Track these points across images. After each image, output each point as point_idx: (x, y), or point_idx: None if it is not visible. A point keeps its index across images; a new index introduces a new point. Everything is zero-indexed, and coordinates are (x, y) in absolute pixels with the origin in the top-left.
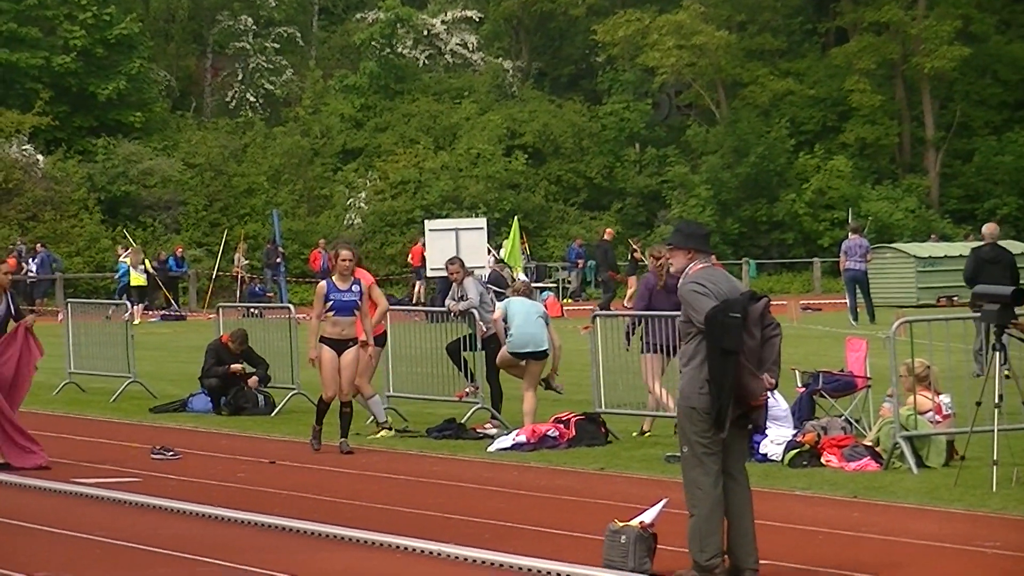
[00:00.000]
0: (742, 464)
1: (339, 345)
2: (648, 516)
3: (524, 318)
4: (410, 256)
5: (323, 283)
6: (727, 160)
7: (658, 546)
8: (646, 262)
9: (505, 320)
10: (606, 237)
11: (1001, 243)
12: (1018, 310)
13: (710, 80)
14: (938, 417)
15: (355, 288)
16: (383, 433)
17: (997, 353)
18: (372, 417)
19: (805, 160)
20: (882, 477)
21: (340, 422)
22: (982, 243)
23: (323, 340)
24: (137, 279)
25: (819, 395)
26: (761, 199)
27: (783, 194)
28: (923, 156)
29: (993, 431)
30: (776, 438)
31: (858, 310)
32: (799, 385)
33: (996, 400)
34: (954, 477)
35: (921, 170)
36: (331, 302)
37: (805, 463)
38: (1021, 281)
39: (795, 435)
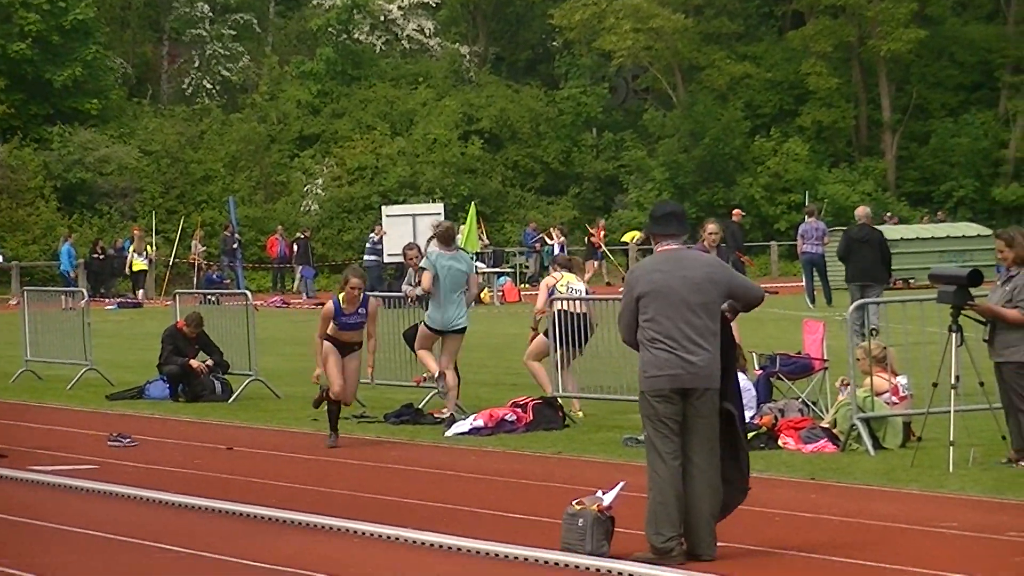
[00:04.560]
0: (706, 449)
1: (344, 348)
2: (606, 499)
3: (445, 296)
4: (589, 237)
5: (330, 304)
6: (684, 144)
7: (616, 529)
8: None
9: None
10: (734, 218)
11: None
12: (975, 292)
13: (667, 64)
14: (895, 398)
15: (361, 311)
16: None
17: (953, 335)
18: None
19: (761, 143)
20: (839, 459)
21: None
22: (854, 225)
23: (327, 339)
24: (138, 264)
25: (776, 377)
26: (718, 183)
27: (740, 178)
28: (880, 139)
29: (950, 412)
30: None
31: (815, 293)
32: (756, 367)
33: (952, 381)
34: (911, 458)
35: (878, 153)
36: (336, 325)
37: (762, 445)
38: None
39: (752, 417)
